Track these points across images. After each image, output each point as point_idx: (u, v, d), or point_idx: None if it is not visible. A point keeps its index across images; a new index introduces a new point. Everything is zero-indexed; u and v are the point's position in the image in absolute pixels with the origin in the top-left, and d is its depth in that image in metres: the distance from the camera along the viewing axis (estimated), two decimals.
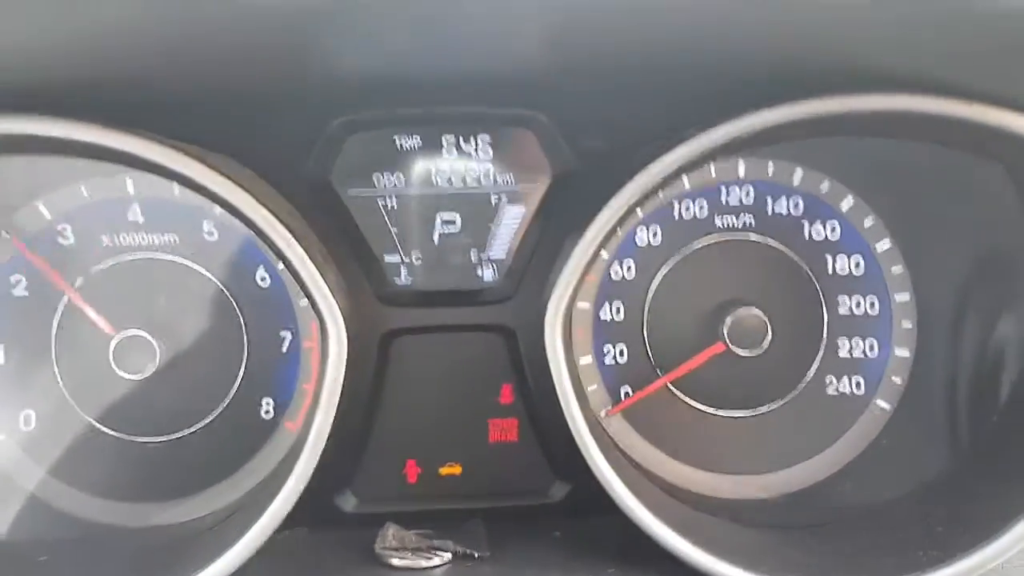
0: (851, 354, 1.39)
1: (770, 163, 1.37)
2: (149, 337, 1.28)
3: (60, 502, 1.33)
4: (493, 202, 1.29)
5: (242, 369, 1.34)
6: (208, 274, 1.33)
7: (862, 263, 1.38)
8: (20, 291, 1.31)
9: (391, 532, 1.20)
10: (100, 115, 1.00)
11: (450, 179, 1.28)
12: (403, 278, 1.30)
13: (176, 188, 1.27)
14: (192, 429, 1.34)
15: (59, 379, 1.32)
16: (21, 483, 1.33)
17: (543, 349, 1.13)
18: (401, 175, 1.28)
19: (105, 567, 1.18)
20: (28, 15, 0.83)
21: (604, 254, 1.36)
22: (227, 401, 1.34)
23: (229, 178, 1.04)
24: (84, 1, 0.85)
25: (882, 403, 1.39)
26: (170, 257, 1.32)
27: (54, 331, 1.31)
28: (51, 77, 0.94)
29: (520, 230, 1.30)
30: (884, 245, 1.37)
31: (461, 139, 1.28)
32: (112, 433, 1.33)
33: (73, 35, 0.87)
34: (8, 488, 1.32)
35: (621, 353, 1.38)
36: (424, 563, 1.15)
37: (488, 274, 1.31)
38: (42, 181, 1.30)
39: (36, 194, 1.30)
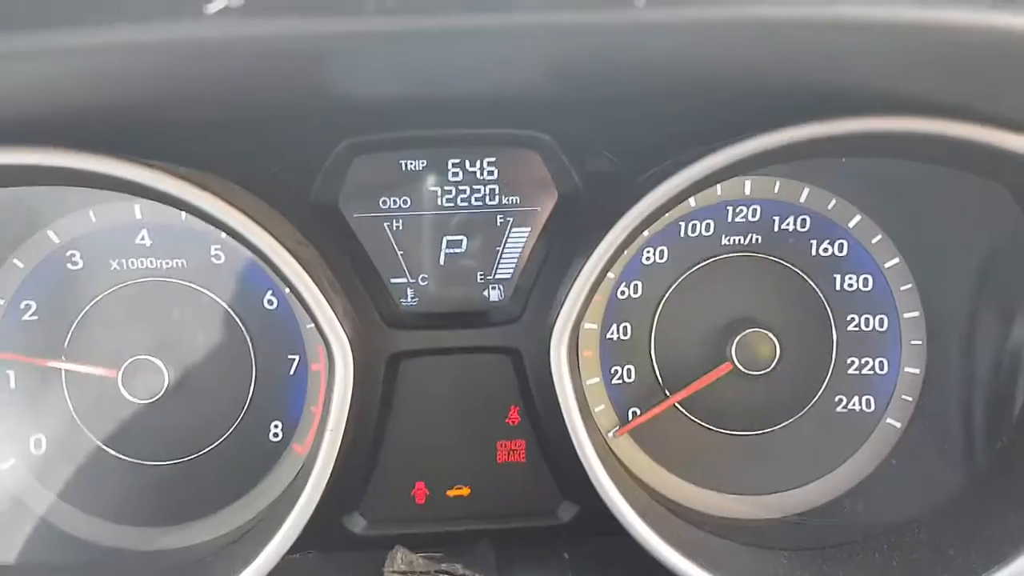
0: (860, 372, 1.39)
1: (777, 182, 1.37)
2: (158, 361, 1.29)
3: (70, 526, 1.34)
4: (499, 223, 1.29)
5: (250, 392, 1.34)
6: (216, 298, 1.33)
7: (870, 281, 1.38)
8: (30, 316, 1.32)
9: (399, 556, 1.20)
10: (106, 144, 1.01)
11: (456, 201, 1.29)
12: (409, 300, 1.30)
13: (183, 213, 1.28)
14: (201, 452, 1.35)
15: (69, 403, 1.33)
16: (31, 507, 1.33)
17: (550, 370, 1.13)
18: (407, 197, 1.28)
19: None
20: (37, 50, 0.84)
21: (611, 274, 1.36)
22: (236, 424, 1.35)
23: (233, 205, 1.04)
24: (91, 33, 0.86)
25: (892, 421, 1.39)
26: (178, 281, 1.33)
27: (64, 356, 1.32)
28: (58, 108, 0.95)
29: (526, 251, 1.30)
30: (892, 262, 1.37)
31: (467, 161, 1.28)
32: (122, 457, 1.34)
33: (81, 65, 0.88)
34: (18, 512, 1.33)
35: (629, 373, 1.38)
36: None
37: (495, 295, 1.31)
38: (51, 207, 1.31)
39: (45, 220, 1.31)
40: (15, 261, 1.32)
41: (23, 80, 0.88)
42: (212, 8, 0.85)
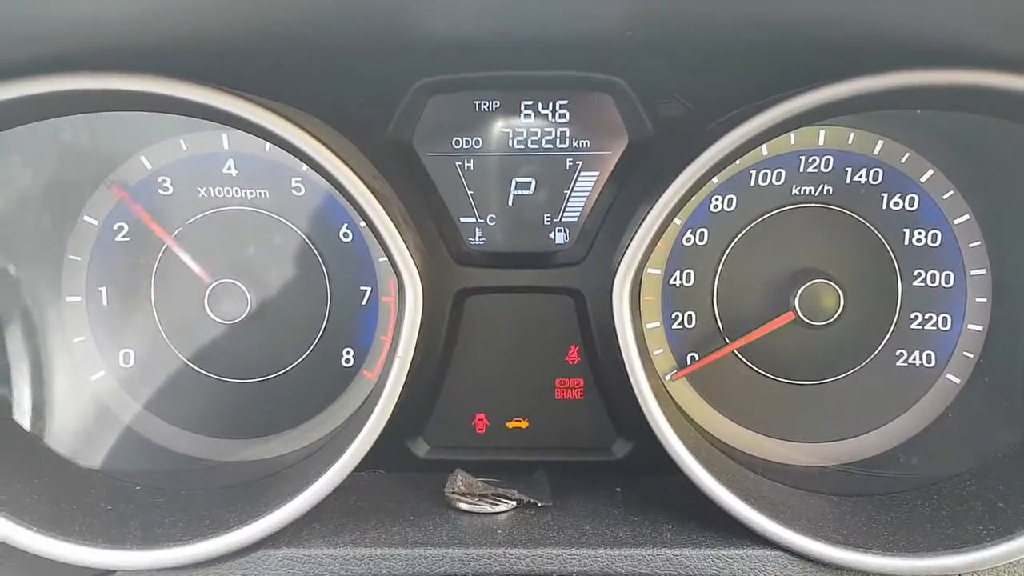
0: (923, 327, 1.38)
1: (851, 133, 1.35)
2: (241, 285, 1.35)
3: (154, 435, 1.44)
4: (568, 166, 1.32)
5: (325, 319, 1.41)
6: (295, 228, 1.39)
7: (939, 236, 1.36)
8: (122, 238, 1.39)
9: (460, 478, 1.26)
10: (199, 74, 1.05)
11: (527, 143, 1.31)
12: (477, 239, 1.34)
13: (267, 146, 1.33)
14: (278, 373, 1.42)
15: (157, 321, 1.41)
16: (119, 416, 1.43)
17: (611, 313, 1.15)
18: (479, 138, 1.31)
19: (195, 498, 1.26)
20: None
21: (677, 221, 1.37)
22: (311, 348, 1.41)
23: (317, 139, 1.09)
24: None
25: (952, 377, 1.38)
26: (260, 211, 1.39)
27: (153, 276, 1.40)
28: (154, 37, 0.99)
29: (594, 194, 1.32)
30: (962, 219, 1.35)
31: (539, 103, 1.30)
32: (204, 373, 1.42)
33: None
34: (106, 421, 1.42)
35: (689, 319, 1.40)
36: (490, 508, 1.21)
37: (560, 237, 1.34)
38: (145, 135, 1.37)
39: (139, 147, 1.38)
40: (108, 185, 1.38)
41: (122, 9, 0.92)
42: None
